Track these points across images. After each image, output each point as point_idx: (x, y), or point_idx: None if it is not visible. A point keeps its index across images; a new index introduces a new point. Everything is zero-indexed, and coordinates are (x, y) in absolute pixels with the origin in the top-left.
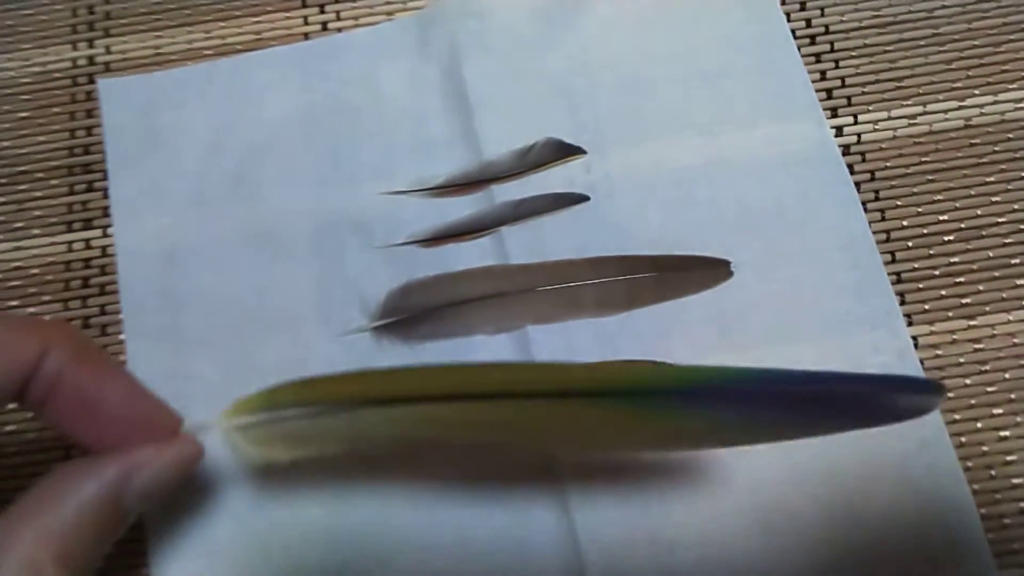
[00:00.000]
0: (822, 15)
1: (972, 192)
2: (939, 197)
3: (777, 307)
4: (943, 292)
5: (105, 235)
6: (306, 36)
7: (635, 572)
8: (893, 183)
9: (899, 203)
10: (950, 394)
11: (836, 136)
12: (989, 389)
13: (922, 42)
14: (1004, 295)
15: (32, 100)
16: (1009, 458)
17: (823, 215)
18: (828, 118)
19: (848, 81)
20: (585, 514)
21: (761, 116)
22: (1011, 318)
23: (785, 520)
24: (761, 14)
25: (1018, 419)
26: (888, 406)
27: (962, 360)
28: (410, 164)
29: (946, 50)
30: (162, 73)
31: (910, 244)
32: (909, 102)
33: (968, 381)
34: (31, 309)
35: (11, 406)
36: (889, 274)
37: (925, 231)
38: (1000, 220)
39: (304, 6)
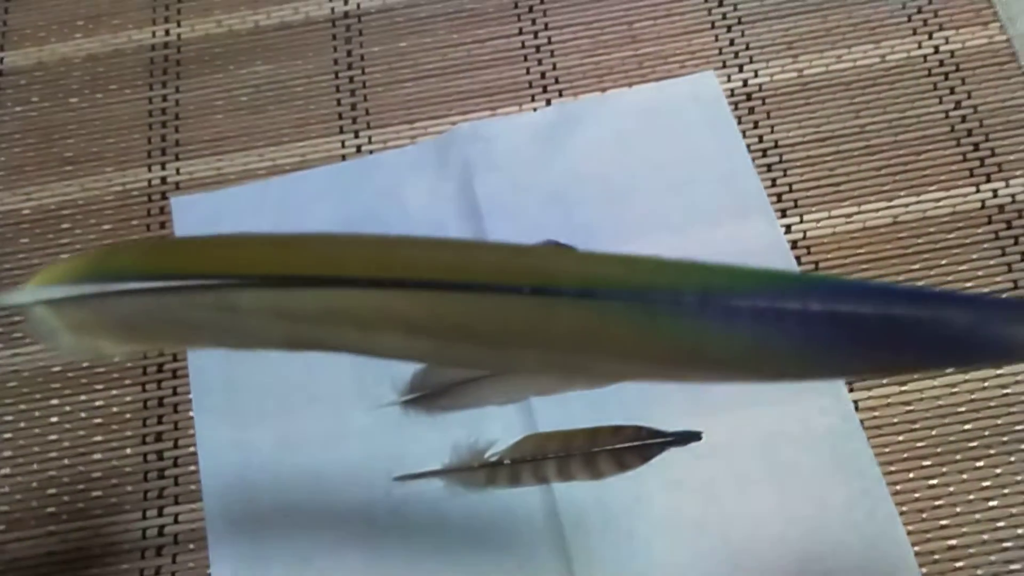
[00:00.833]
0: (772, 132)
1: (901, 278)
2: None
3: None
4: None
5: None
6: (343, 157)
7: None
8: (834, 271)
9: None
10: (886, 448)
11: (786, 233)
12: (919, 444)
13: (856, 153)
14: None
15: (114, 215)
16: (937, 503)
17: None
18: (779, 218)
19: (795, 187)
20: (580, 553)
21: (723, 217)
22: (935, 383)
23: (752, 559)
24: (721, 132)
25: (944, 469)
26: (1002, 338)
27: (895, 420)
28: None
29: (876, 159)
30: (223, 191)
31: None
32: (846, 203)
33: (901, 438)
34: (114, 391)
35: None
36: None
37: None
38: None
39: (341, 132)
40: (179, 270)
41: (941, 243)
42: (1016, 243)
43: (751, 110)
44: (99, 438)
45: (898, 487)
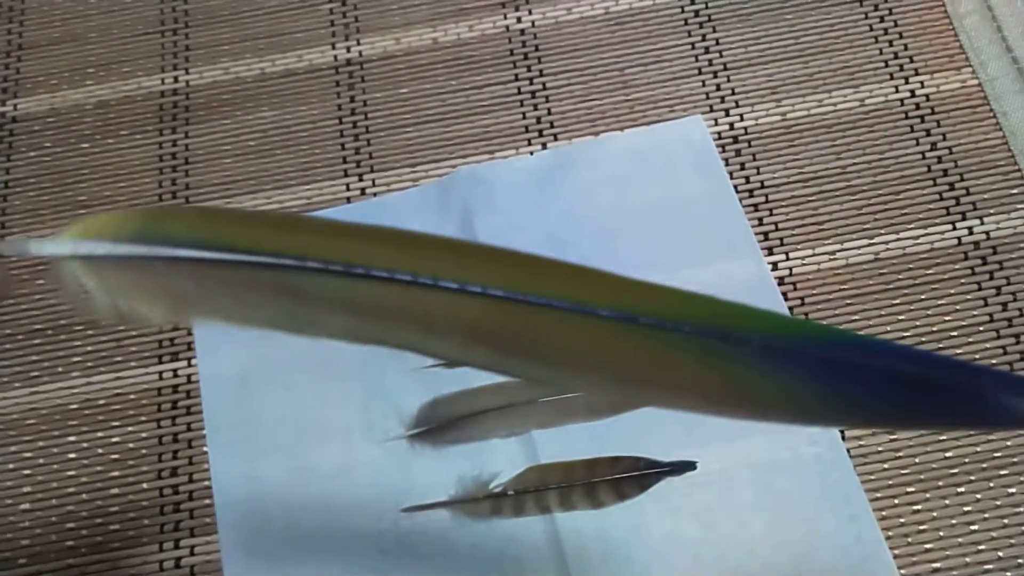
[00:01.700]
0: (758, 173)
1: (882, 313)
2: (856, 318)
3: None
4: None
5: (190, 365)
6: (348, 200)
7: None
8: (819, 306)
9: (825, 323)
10: (872, 476)
11: (772, 270)
12: (903, 472)
13: (838, 193)
14: None
15: None
16: (922, 527)
17: None
18: (765, 255)
19: (780, 225)
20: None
21: (713, 255)
22: None
23: None
24: (710, 174)
25: (927, 495)
26: (1003, 407)
27: (880, 449)
28: None
29: (857, 199)
30: None
31: None
32: (829, 241)
33: (886, 466)
34: (130, 428)
35: None
36: None
37: None
38: (906, 335)
39: (346, 175)
40: (242, 244)
41: (920, 279)
42: (991, 278)
43: (738, 152)
44: (116, 473)
45: (884, 513)
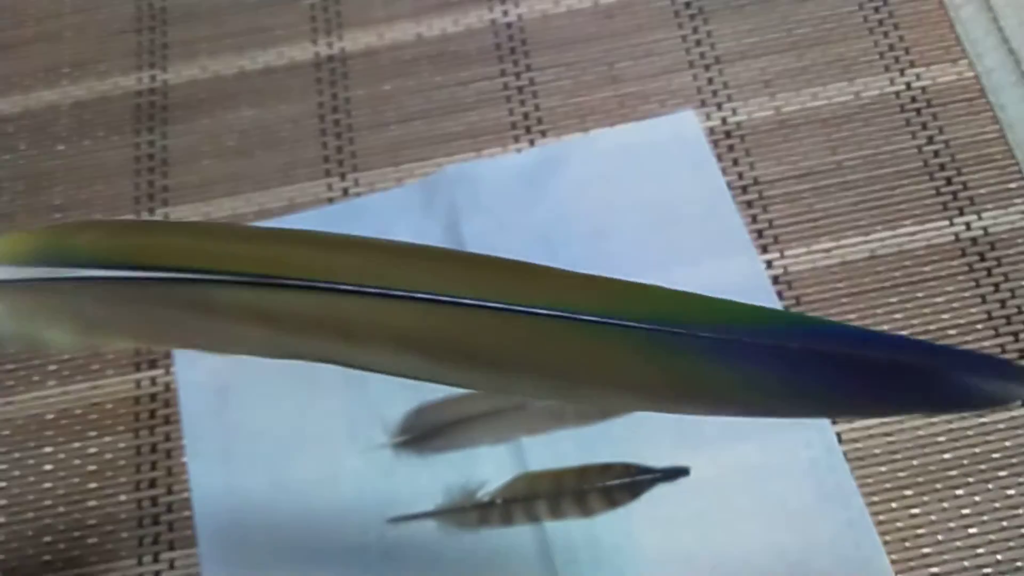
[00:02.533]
0: (751, 169)
1: (879, 311)
2: (852, 316)
3: None
4: None
5: (168, 373)
6: (330, 200)
7: None
8: (815, 305)
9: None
10: (869, 480)
11: (767, 268)
12: (900, 474)
13: (833, 188)
14: None
15: None
16: (920, 531)
17: None
18: (759, 254)
19: (775, 223)
20: None
21: (706, 253)
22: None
23: None
24: (702, 170)
25: (925, 499)
26: (964, 388)
27: (877, 451)
28: None
29: (852, 194)
30: None
31: None
32: (824, 238)
33: (883, 468)
34: (107, 438)
35: None
36: None
37: None
38: (902, 333)
39: (328, 175)
40: (148, 259)
41: (917, 276)
42: (989, 275)
43: (730, 147)
44: (93, 485)
45: (881, 517)
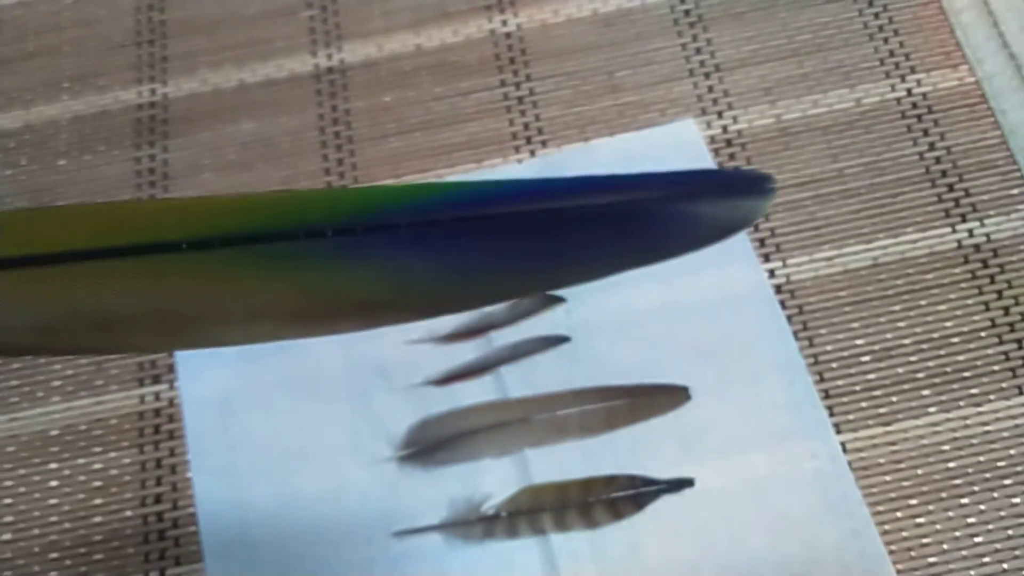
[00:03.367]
0: None
1: (882, 319)
2: (855, 324)
3: (728, 424)
4: (863, 404)
5: (172, 388)
6: None
7: None
8: (818, 314)
9: (823, 331)
10: (874, 489)
11: (769, 277)
12: (904, 484)
13: (834, 196)
14: (913, 404)
15: None
16: (925, 541)
17: (762, 344)
18: (762, 263)
19: (777, 231)
20: None
21: (706, 263)
22: (919, 423)
23: None
24: None
25: (930, 508)
26: (683, 219)
27: (882, 461)
28: None
29: (854, 202)
30: None
31: (834, 365)
32: (826, 247)
33: (888, 478)
34: (112, 454)
35: None
36: (818, 391)
37: (846, 354)
38: (905, 341)
39: (329, 188)
40: None
41: (920, 284)
42: (992, 282)
43: (731, 156)
44: (99, 501)
45: (886, 527)
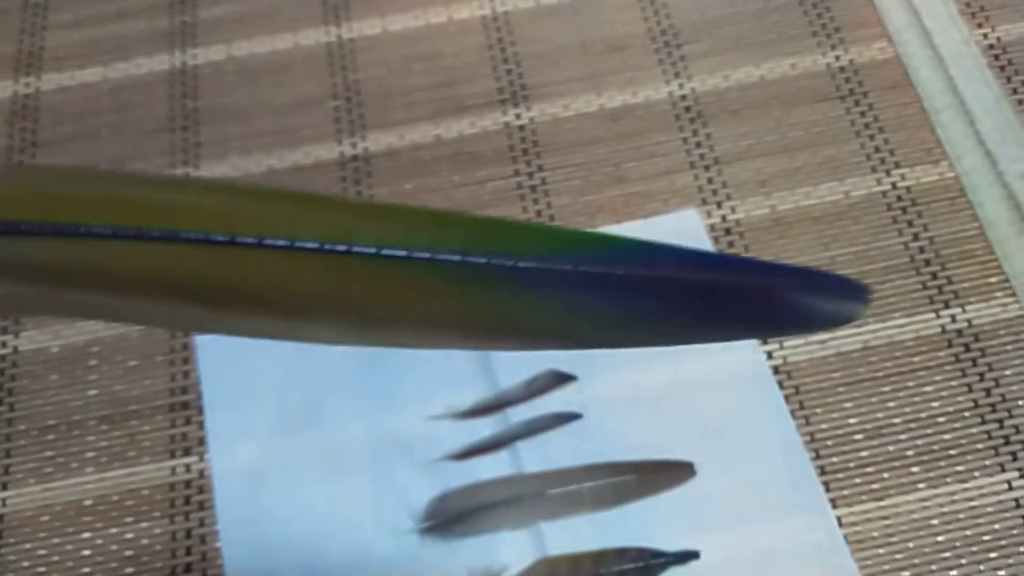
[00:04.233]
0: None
1: (873, 400)
2: (848, 404)
3: (731, 498)
4: (857, 480)
5: (202, 460)
6: None
7: None
8: (813, 394)
9: (818, 410)
10: (868, 561)
11: (767, 359)
12: (897, 556)
13: None
14: (903, 480)
15: (140, 351)
16: None
17: (762, 422)
18: (760, 345)
19: None
20: None
21: (710, 346)
22: (910, 499)
23: None
24: None
25: None
26: (800, 307)
27: (876, 534)
28: (443, 392)
29: None
30: None
31: (829, 443)
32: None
33: (881, 551)
34: (143, 524)
35: None
36: (815, 467)
37: (840, 432)
38: (895, 421)
39: None
40: None
41: (907, 367)
42: (974, 365)
43: (730, 244)
44: (130, 570)
45: None
